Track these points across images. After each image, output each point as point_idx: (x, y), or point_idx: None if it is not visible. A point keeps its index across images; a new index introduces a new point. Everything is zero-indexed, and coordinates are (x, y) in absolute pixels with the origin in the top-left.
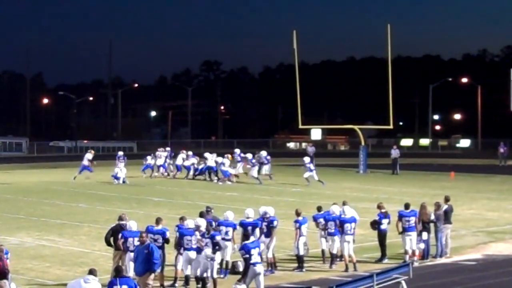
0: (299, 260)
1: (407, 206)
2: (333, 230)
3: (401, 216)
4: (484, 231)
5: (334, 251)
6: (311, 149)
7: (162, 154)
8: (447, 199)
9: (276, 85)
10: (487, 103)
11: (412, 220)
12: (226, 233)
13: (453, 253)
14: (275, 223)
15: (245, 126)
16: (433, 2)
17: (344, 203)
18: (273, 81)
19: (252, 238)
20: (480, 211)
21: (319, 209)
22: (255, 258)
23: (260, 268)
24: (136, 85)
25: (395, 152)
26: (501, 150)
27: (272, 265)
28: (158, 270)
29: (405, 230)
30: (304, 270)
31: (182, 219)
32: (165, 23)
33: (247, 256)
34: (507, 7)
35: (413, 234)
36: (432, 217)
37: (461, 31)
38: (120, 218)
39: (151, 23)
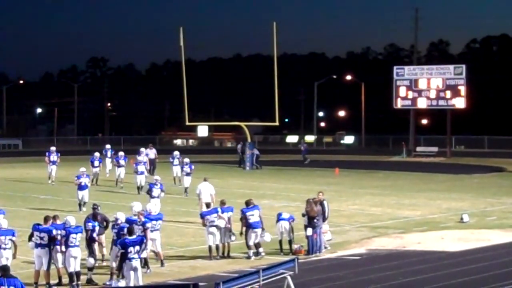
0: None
1: (247, 203)
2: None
3: (244, 213)
4: (368, 226)
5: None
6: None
7: None
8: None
9: (163, 82)
10: (371, 100)
11: (256, 214)
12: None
13: (338, 248)
14: (148, 225)
15: (132, 123)
16: (318, 1)
17: (204, 179)
18: (160, 78)
19: (134, 235)
20: (364, 206)
21: (208, 205)
22: (132, 254)
23: (136, 263)
24: (22, 81)
25: (255, 150)
26: (302, 148)
27: (147, 265)
28: (44, 268)
29: (250, 226)
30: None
31: (54, 218)
32: (51, 19)
33: (123, 251)
34: (390, 7)
35: (258, 231)
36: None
37: (345, 30)
38: None
39: (36, 18)
